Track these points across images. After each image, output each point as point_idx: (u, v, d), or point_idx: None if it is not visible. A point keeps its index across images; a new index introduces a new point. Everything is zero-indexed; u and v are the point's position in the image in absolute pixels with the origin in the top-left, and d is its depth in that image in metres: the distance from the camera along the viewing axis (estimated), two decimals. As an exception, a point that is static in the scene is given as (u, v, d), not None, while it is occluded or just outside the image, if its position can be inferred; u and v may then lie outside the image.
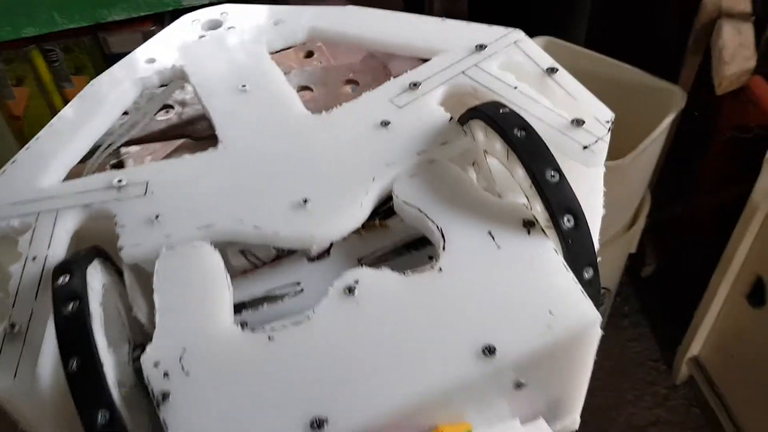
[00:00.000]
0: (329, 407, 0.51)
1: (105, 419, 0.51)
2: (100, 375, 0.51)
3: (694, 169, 1.76)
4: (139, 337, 0.61)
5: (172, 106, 0.93)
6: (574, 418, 0.66)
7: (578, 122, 0.68)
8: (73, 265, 0.57)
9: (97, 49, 1.54)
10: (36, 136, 0.73)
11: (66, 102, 0.86)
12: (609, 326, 2.00)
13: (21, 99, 1.60)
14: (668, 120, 1.35)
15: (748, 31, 1.33)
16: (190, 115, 0.92)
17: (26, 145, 0.71)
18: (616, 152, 1.31)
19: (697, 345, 1.75)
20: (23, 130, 1.66)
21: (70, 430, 0.56)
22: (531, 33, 0.83)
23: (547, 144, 0.61)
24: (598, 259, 0.65)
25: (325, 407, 0.51)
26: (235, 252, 0.67)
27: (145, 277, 0.62)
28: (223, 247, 0.64)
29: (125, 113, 0.86)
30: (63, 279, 0.56)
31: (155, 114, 0.91)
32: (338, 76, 0.99)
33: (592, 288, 0.60)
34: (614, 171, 1.30)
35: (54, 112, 1.59)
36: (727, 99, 1.52)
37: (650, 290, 2.06)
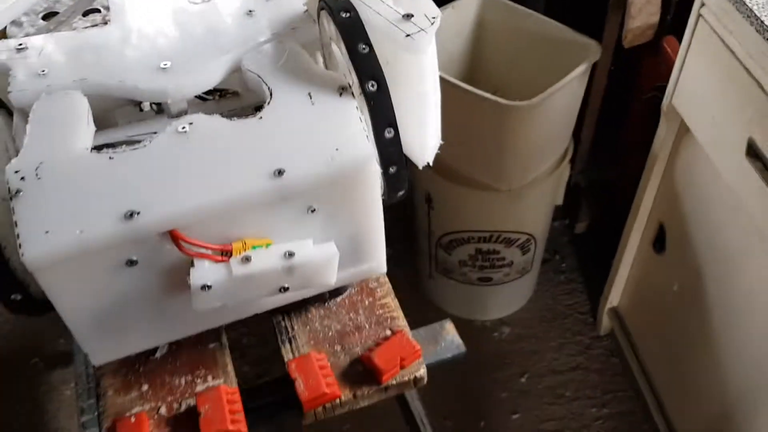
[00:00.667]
0: (143, 204, 0.64)
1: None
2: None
3: (623, 129, 1.88)
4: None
5: (98, 10, 1.06)
6: (380, 262, 0.79)
7: (408, 16, 0.79)
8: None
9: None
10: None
11: None
12: (544, 279, 2.12)
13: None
14: (580, 69, 1.46)
15: (657, -9, 1.44)
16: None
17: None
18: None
19: (615, 296, 1.87)
20: None
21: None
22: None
23: (378, 31, 0.73)
24: (439, 143, 0.78)
25: (139, 204, 0.64)
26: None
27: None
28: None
29: (56, 13, 0.99)
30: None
31: (83, 15, 1.04)
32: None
33: (393, 146, 0.73)
34: (524, 111, 1.43)
35: None
36: (645, 59, 1.63)
37: (586, 248, 2.17)
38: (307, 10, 0.83)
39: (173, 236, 0.65)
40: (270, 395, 0.81)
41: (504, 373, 1.92)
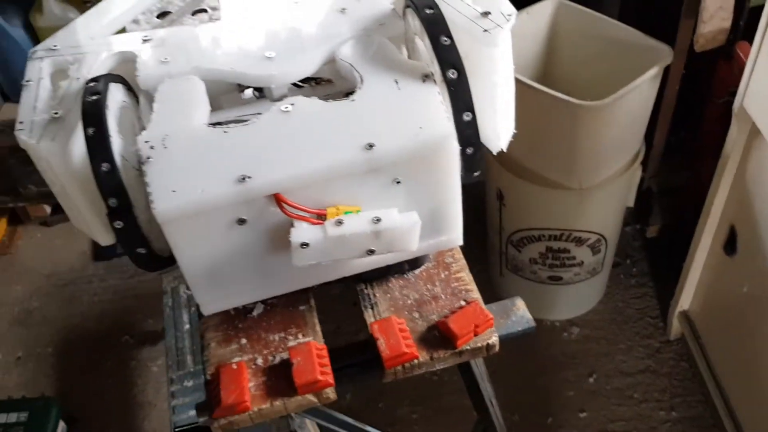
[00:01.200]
0: (254, 170, 0.74)
1: (107, 168, 0.76)
2: (106, 139, 0.76)
3: (696, 134, 1.89)
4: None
5: (205, 10, 1.18)
6: (457, 234, 0.87)
7: (486, 14, 0.87)
8: (100, 78, 0.83)
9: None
10: (99, 4, 0.99)
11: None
12: (614, 282, 2.15)
13: (108, 28, 1.92)
14: (652, 72, 1.50)
15: (730, -3, 1.48)
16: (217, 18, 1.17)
17: (93, 7, 0.98)
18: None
19: (686, 299, 1.88)
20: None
21: (84, 186, 0.82)
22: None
23: (458, 27, 0.81)
24: (513, 132, 0.86)
25: (251, 169, 0.74)
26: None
27: (151, 102, 0.87)
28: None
29: (168, 12, 1.12)
30: (92, 83, 0.81)
31: (192, 14, 1.16)
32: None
33: (470, 129, 0.81)
34: (596, 111, 1.49)
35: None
36: (719, 64, 1.66)
37: (657, 252, 2.19)
38: (393, 8, 0.92)
39: (277, 199, 0.75)
40: (353, 356, 0.90)
41: (572, 372, 1.96)
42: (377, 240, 0.77)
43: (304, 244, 0.75)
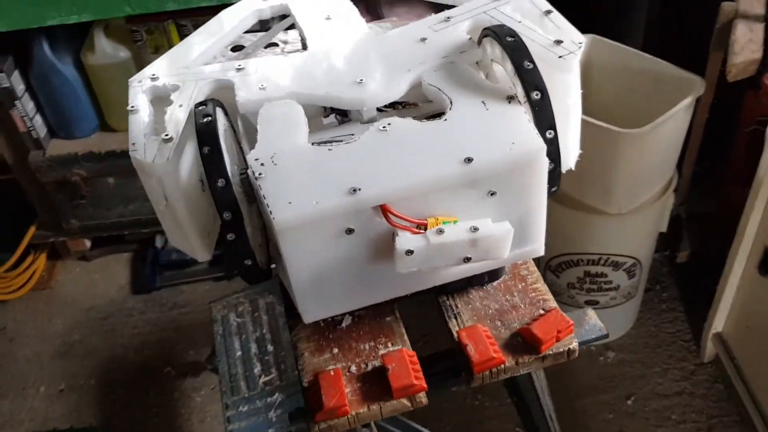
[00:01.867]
0: (362, 183, 0.80)
1: (222, 184, 0.82)
2: (221, 157, 0.82)
3: (725, 161, 1.96)
4: (243, 165, 0.92)
5: (277, 44, 1.25)
6: (540, 245, 0.93)
7: (558, 42, 0.94)
8: (207, 102, 0.89)
9: (219, 28, 1.92)
10: (190, 36, 1.06)
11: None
12: (647, 308, 2.20)
13: (156, 67, 1.99)
14: (686, 101, 1.58)
15: (759, 30, 1.56)
16: (290, 50, 1.24)
17: (183, 40, 1.05)
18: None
19: (720, 321, 1.93)
20: (154, 94, 2.05)
21: (189, 203, 0.88)
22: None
23: (533, 54, 0.88)
24: (580, 153, 0.92)
25: (359, 182, 0.80)
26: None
27: (248, 126, 0.93)
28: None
29: (241, 47, 1.19)
30: (201, 107, 0.87)
31: (264, 48, 1.23)
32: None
33: (553, 145, 0.87)
34: (634, 138, 1.55)
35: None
36: (747, 93, 1.73)
37: (686, 278, 2.24)
38: (470, 38, 0.99)
39: (383, 209, 0.80)
40: (441, 362, 0.95)
41: (610, 395, 1.99)
42: (474, 248, 0.83)
43: (409, 252, 0.80)
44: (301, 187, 0.80)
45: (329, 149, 0.85)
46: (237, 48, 1.20)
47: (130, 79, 1.00)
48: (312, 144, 0.87)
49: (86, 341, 2.23)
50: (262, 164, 0.83)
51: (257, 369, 1.74)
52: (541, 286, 1.01)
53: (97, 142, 2.13)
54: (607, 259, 1.82)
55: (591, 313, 1.02)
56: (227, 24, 1.11)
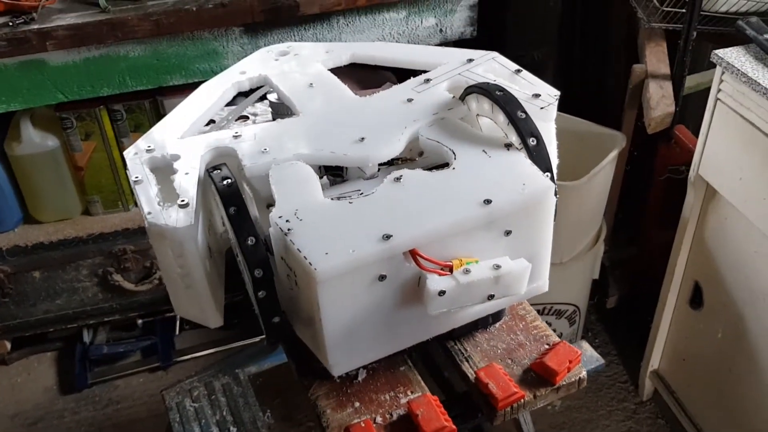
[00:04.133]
0: (392, 229, 0.83)
1: (252, 242, 0.83)
2: (248, 216, 0.84)
3: (642, 208, 2.13)
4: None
5: (247, 117, 1.28)
6: (545, 281, 0.98)
7: (536, 95, 1.03)
8: (221, 165, 0.91)
9: (154, 111, 1.91)
10: (173, 111, 1.07)
11: (122, 155, 1.16)
12: (582, 355, 2.29)
13: (86, 152, 1.95)
14: (613, 154, 1.73)
15: (668, 87, 1.74)
16: (260, 122, 1.27)
17: (169, 114, 1.06)
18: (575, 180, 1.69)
19: (656, 358, 2.04)
20: (84, 181, 1.99)
21: (205, 267, 0.88)
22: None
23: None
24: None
25: (390, 229, 0.83)
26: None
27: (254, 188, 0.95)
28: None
29: (213, 121, 1.21)
30: (217, 170, 0.89)
31: (235, 121, 1.26)
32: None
33: (552, 183, 0.94)
34: (573, 190, 1.67)
35: (113, 164, 1.94)
36: (660, 144, 1.91)
37: (617, 322, 2.37)
38: (453, 96, 1.06)
39: (413, 254, 0.84)
40: (457, 405, 0.97)
41: (563, 442, 2.05)
42: (497, 285, 0.87)
43: (441, 292, 0.84)
44: (333, 238, 0.82)
45: (350, 202, 0.88)
46: (209, 123, 1.22)
47: (125, 152, 1.00)
48: (333, 199, 0.89)
49: (15, 451, 2.06)
50: (287, 221, 0.85)
51: (222, 453, 1.67)
52: (541, 323, 1.06)
53: (22, 235, 2.03)
54: (551, 308, 1.91)
55: (586, 345, 1.08)
56: (209, 98, 1.13)
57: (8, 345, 2.26)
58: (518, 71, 1.11)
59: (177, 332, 2.31)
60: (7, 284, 2.04)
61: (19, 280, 2.05)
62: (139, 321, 2.28)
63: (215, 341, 2.30)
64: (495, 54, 1.17)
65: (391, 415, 0.94)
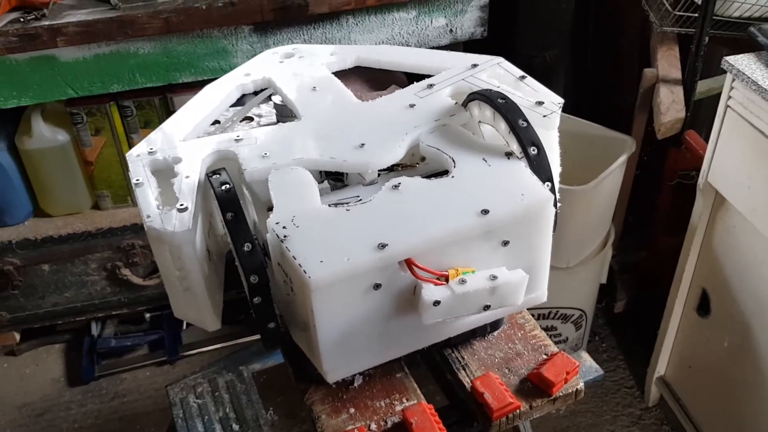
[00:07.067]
0: (388, 238, 0.83)
1: (248, 248, 0.83)
2: (245, 222, 0.84)
3: (652, 214, 2.12)
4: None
5: (252, 118, 1.28)
6: (544, 291, 0.98)
7: (539, 103, 1.03)
8: (220, 171, 0.91)
9: (164, 108, 1.92)
10: (176, 113, 1.07)
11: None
12: (588, 358, 2.28)
13: (96, 147, 1.96)
14: (622, 159, 1.71)
15: (679, 91, 1.73)
16: (265, 123, 1.27)
17: (173, 116, 1.06)
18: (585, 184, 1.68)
19: (662, 365, 2.03)
20: (93, 176, 2.01)
21: (203, 272, 0.88)
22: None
23: (520, 113, 0.96)
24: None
25: (386, 238, 0.83)
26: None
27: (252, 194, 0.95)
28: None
29: (217, 121, 1.21)
30: (216, 175, 0.89)
31: (240, 122, 1.26)
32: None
33: (552, 192, 0.93)
34: (582, 194, 1.66)
35: (122, 159, 1.95)
36: (670, 149, 1.89)
37: (624, 326, 2.36)
38: (456, 102, 1.06)
39: (408, 263, 0.84)
40: (456, 414, 0.97)
41: (568, 446, 2.05)
42: (493, 296, 0.87)
43: (436, 302, 0.83)
44: (329, 245, 0.82)
45: (347, 209, 0.88)
46: (214, 123, 1.22)
47: (127, 154, 1.00)
48: (330, 205, 0.89)
49: (22, 441, 2.09)
50: (284, 227, 0.85)
51: (225, 450, 1.68)
52: (539, 332, 1.05)
53: (32, 228, 2.04)
54: (557, 313, 1.90)
55: (585, 356, 1.07)
56: (213, 99, 1.13)
57: (17, 336, 2.29)
58: (523, 77, 1.10)
59: (184, 327, 2.33)
60: (17, 277, 2.06)
61: (28, 273, 2.07)
62: (147, 315, 2.29)
63: (222, 336, 2.31)
64: (500, 59, 1.16)
65: (386, 422, 0.94)
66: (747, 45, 1.49)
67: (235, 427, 1.69)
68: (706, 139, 1.62)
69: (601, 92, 2.25)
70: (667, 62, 1.76)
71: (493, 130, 0.99)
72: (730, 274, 1.66)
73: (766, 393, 1.61)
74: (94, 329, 2.30)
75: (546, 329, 1.94)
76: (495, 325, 1.05)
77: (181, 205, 0.89)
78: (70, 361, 2.31)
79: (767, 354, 1.58)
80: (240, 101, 1.23)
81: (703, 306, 1.80)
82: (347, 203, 0.90)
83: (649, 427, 2.09)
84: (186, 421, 1.73)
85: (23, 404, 2.19)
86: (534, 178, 0.90)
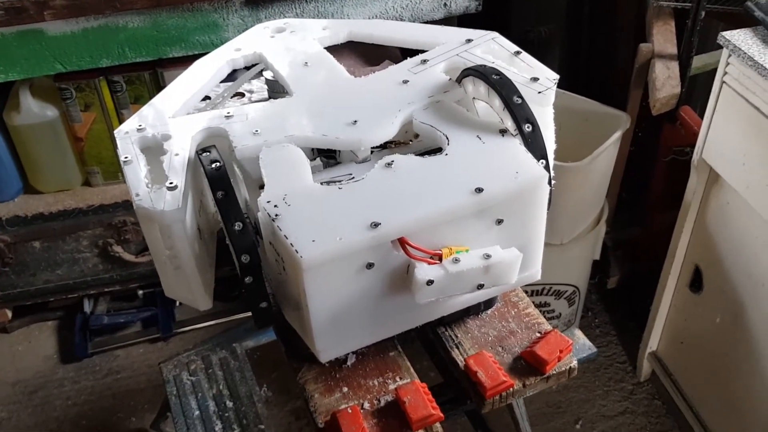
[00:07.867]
0: (381, 217, 0.82)
1: (239, 228, 0.82)
2: (236, 200, 0.83)
3: (646, 190, 2.11)
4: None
5: (243, 94, 1.26)
6: (537, 270, 0.97)
7: (534, 79, 1.01)
8: (210, 148, 0.89)
9: (154, 83, 1.89)
10: (166, 89, 1.06)
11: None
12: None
13: (86, 123, 1.93)
14: (617, 135, 1.70)
15: (674, 67, 1.71)
16: (256, 99, 1.25)
17: (162, 91, 1.04)
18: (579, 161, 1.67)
19: (654, 340, 2.04)
20: (84, 152, 1.98)
21: (194, 251, 0.87)
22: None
23: (514, 89, 0.94)
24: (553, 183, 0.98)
25: (378, 217, 0.82)
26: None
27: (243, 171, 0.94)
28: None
29: (208, 97, 1.19)
30: (206, 153, 0.87)
31: (231, 98, 1.24)
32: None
33: (546, 172, 0.92)
34: (576, 171, 1.65)
35: (113, 135, 1.93)
36: (665, 125, 1.88)
37: (617, 303, 2.36)
38: (450, 78, 1.04)
39: (401, 242, 0.83)
40: (450, 392, 0.97)
41: (559, 421, 2.06)
42: (486, 275, 0.86)
43: (430, 282, 0.83)
44: (321, 224, 0.81)
45: (339, 188, 0.87)
46: (204, 99, 1.20)
47: (115, 131, 0.99)
48: (323, 183, 0.88)
49: (15, 418, 2.08)
50: (275, 206, 0.84)
51: (218, 427, 1.69)
52: (533, 310, 1.05)
53: (22, 205, 2.03)
54: (550, 289, 1.90)
55: (579, 333, 1.07)
56: (203, 74, 1.11)
57: (9, 313, 2.28)
58: (518, 53, 1.09)
59: (177, 303, 2.32)
60: (8, 254, 2.04)
61: (19, 250, 2.06)
62: (140, 292, 2.29)
63: (216, 313, 2.31)
64: (495, 34, 1.14)
65: (379, 401, 0.94)
66: (743, 20, 1.47)
67: (229, 403, 1.69)
68: (701, 115, 1.61)
69: (597, 67, 2.23)
70: (663, 37, 1.74)
71: (488, 106, 0.98)
72: (723, 251, 1.66)
73: (756, 368, 1.61)
74: (87, 306, 2.29)
75: (539, 305, 1.94)
76: (488, 303, 1.04)
77: (171, 183, 0.88)
78: (62, 338, 2.30)
79: (758, 330, 1.59)
80: (231, 77, 1.21)
81: (696, 282, 1.80)
82: (339, 181, 0.88)
83: (641, 401, 2.11)
84: (180, 398, 1.73)
85: (16, 381, 2.18)
86: (528, 156, 0.89)
